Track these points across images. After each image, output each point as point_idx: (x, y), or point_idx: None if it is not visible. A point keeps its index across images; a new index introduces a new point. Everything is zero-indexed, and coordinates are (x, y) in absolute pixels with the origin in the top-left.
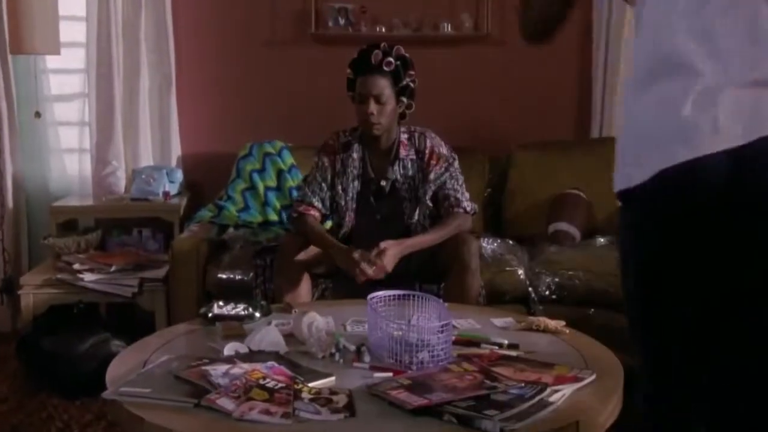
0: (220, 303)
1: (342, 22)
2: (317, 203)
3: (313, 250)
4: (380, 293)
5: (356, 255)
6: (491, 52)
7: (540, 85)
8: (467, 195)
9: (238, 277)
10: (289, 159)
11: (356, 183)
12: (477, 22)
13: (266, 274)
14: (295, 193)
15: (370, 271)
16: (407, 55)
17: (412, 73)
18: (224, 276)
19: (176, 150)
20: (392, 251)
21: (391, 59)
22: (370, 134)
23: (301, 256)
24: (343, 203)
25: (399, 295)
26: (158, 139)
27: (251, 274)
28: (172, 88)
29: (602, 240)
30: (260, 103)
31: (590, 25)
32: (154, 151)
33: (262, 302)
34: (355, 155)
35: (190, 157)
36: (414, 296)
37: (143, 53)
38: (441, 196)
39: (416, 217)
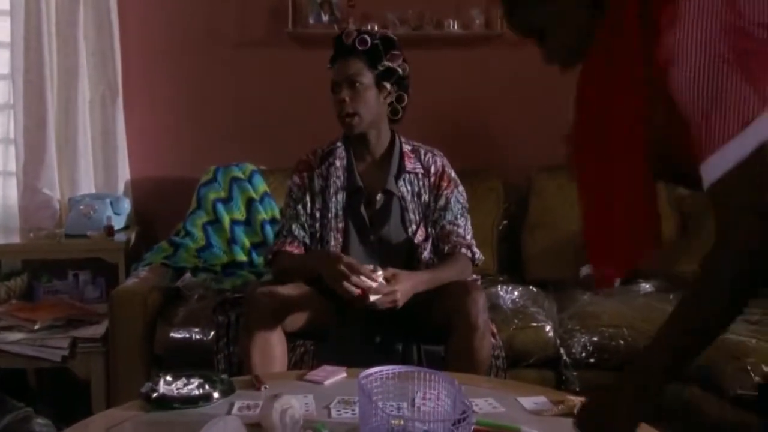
0: (168, 378)
1: (325, 18)
2: (297, 232)
3: (289, 301)
4: (374, 370)
5: (342, 266)
6: (506, 55)
7: (565, 95)
8: (472, 237)
9: (195, 336)
10: (262, 185)
11: (341, 196)
12: (489, 20)
13: (230, 333)
14: (268, 228)
15: (359, 288)
16: (394, 36)
17: (396, 53)
18: (178, 335)
19: (123, 175)
20: (407, 283)
21: (366, 37)
22: (346, 129)
23: (275, 310)
24: (327, 224)
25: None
26: (101, 161)
27: (212, 334)
28: (118, 99)
29: (646, 286)
30: (227, 117)
31: None
32: (96, 175)
33: (223, 376)
34: (338, 163)
35: (139, 183)
36: (418, 372)
37: (82, 56)
38: (447, 228)
39: (427, 251)
